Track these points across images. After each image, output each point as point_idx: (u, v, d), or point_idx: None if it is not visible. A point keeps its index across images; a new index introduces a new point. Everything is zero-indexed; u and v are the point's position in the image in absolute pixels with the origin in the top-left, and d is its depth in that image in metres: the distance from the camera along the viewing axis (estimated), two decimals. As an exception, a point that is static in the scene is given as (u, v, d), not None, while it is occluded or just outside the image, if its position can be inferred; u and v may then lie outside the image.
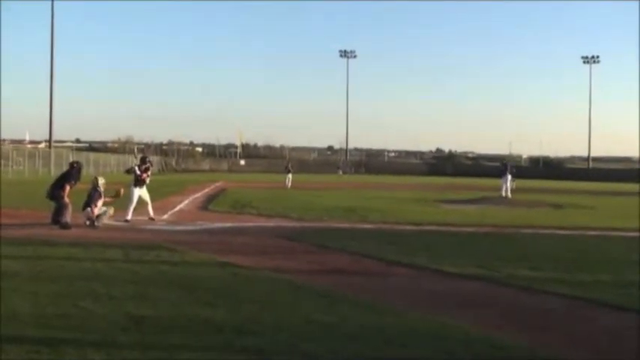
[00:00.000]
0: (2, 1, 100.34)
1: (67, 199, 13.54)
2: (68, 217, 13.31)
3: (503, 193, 28.69)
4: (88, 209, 13.68)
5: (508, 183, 29.21)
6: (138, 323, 5.63)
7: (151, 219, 15.23)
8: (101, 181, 14.36)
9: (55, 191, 13.72)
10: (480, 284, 8.14)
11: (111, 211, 14.16)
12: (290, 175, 37.10)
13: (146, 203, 15.53)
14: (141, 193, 15.41)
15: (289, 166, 38.96)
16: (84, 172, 15.68)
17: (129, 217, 14.83)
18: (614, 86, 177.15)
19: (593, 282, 8.24)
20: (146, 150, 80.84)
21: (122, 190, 14.85)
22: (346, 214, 18.21)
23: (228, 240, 12.04)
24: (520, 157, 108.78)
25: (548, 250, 11.33)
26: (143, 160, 16.18)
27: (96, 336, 5.23)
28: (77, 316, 5.87)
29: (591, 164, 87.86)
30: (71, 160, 17.18)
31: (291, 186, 35.69)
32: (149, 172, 15.86)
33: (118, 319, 5.77)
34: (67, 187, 13.74)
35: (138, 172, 15.46)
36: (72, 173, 14.27)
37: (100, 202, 13.89)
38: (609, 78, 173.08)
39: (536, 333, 5.88)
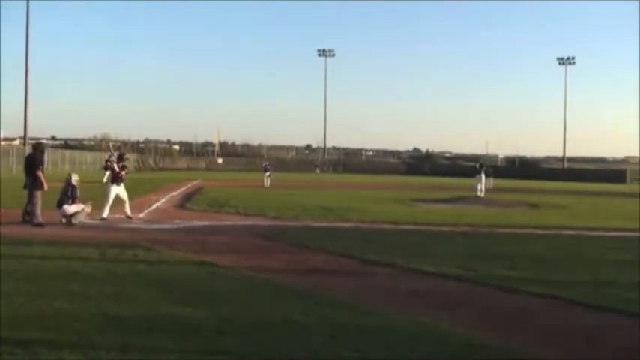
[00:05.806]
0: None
1: (39, 194, 13.30)
2: (38, 212, 13.10)
3: (479, 193, 29.07)
4: (65, 207, 13.49)
5: (483, 183, 29.71)
6: (115, 323, 5.57)
7: (128, 217, 15.08)
8: (75, 177, 14.18)
9: (33, 182, 13.44)
10: (458, 283, 8.19)
11: (88, 209, 13.96)
12: (269, 174, 36.97)
13: (123, 202, 15.38)
14: (118, 191, 15.24)
15: (267, 165, 38.85)
16: (59, 169, 15.49)
17: (105, 215, 14.67)
18: (589, 87, 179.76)
19: (570, 281, 8.35)
20: (123, 148, 79.86)
21: (90, 208, 14.22)
22: (324, 213, 18.21)
23: (205, 239, 11.96)
24: (496, 156, 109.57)
25: (525, 250, 11.44)
26: (121, 157, 15.94)
27: (72, 336, 5.16)
28: (53, 316, 5.78)
29: (566, 164, 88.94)
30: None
31: (270, 185, 35.76)
32: (125, 172, 15.67)
33: (95, 319, 5.70)
34: (41, 174, 13.47)
35: (116, 169, 15.28)
36: (38, 156, 14.13)
37: (76, 200, 13.71)
38: (584, 79, 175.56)
39: (513, 332, 5.94)
